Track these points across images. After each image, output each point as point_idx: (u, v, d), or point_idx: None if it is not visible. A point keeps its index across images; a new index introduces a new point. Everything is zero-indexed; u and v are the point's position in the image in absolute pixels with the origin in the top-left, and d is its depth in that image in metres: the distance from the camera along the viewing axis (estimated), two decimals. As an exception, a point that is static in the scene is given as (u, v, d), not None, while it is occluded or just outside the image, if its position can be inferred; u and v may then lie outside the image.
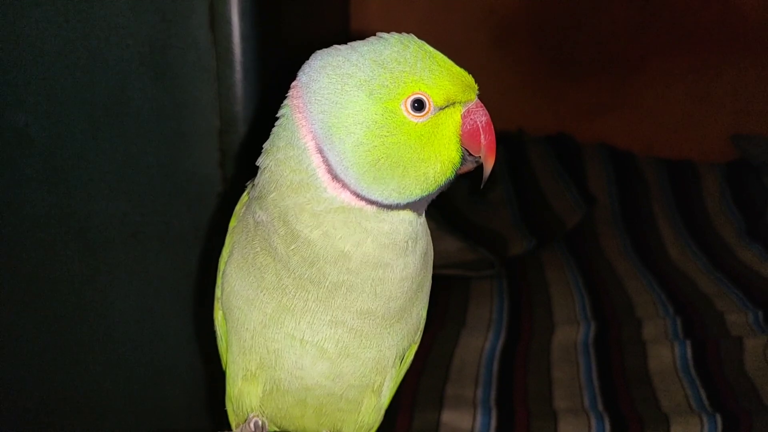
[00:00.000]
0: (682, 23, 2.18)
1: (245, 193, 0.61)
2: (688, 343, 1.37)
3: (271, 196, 0.53)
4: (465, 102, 0.53)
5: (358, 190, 0.51)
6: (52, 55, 1.01)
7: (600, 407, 1.22)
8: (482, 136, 0.53)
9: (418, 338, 0.63)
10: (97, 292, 1.10)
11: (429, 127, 0.52)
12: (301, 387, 0.57)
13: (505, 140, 2.28)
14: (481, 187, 0.56)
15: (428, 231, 0.60)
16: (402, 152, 0.51)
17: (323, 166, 0.51)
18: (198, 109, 1.03)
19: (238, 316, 0.57)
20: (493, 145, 0.54)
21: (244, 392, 0.60)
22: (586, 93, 2.30)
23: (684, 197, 2.09)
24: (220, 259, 0.62)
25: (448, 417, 1.16)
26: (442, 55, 0.53)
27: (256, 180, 0.55)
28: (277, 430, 0.64)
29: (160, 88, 1.02)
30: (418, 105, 0.51)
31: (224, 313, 0.61)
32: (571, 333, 1.47)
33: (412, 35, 0.53)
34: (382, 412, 0.64)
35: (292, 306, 0.53)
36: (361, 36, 0.55)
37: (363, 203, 0.51)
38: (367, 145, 0.50)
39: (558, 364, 1.37)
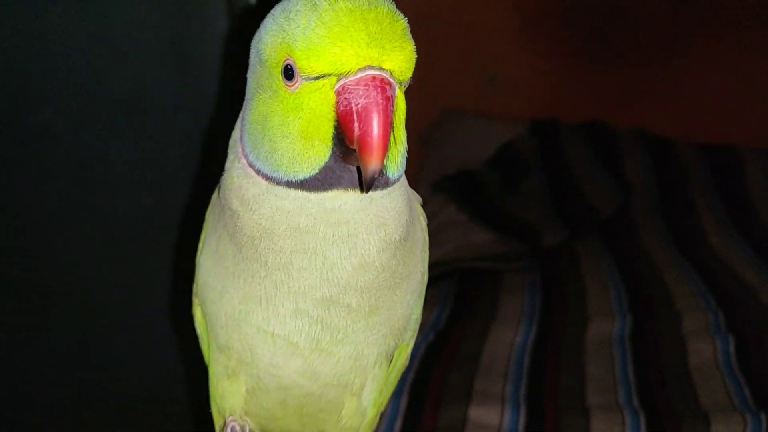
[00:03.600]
0: (722, 2, 2.08)
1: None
2: (731, 337, 1.31)
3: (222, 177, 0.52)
4: (344, 74, 0.42)
5: (252, 161, 0.48)
6: (74, 51, 1.01)
7: (635, 404, 1.17)
8: (355, 124, 0.41)
9: (409, 339, 0.60)
10: (121, 286, 1.11)
11: (298, 99, 0.44)
12: (279, 386, 0.55)
13: (538, 128, 2.23)
14: (365, 190, 0.44)
15: (417, 224, 0.55)
16: (273, 121, 0.46)
17: (240, 141, 0.50)
18: (218, 101, 1.02)
19: (212, 310, 0.55)
20: (371, 139, 0.41)
21: (228, 391, 0.58)
22: (621, 77, 2.22)
23: (726, 184, 2.00)
24: (197, 251, 0.59)
25: (475, 412, 1.13)
26: (348, 8, 0.41)
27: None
28: None
29: (180, 80, 1.02)
30: (289, 72, 0.43)
31: (202, 307, 0.58)
32: (605, 326, 1.42)
33: None
34: (368, 417, 0.60)
35: (256, 295, 0.50)
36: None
37: (260, 178, 0.47)
38: (255, 111, 0.47)
39: (592, 358, 1.32)
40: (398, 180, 0.48)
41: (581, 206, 1.97)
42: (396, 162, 0.46)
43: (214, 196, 0.57)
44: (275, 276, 0.48)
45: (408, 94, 0.49)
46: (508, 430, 1.11)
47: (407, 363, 0.64)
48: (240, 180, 0.49)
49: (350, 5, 0.41)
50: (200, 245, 0.58)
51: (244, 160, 0.49)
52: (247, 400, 0.58)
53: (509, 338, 1.38)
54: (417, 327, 0.60)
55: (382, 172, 0.44)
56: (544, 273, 1.69)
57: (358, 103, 0.41)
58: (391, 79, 0.42)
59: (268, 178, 0.47)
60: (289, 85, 0.44)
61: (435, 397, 1.17)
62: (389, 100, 0.42)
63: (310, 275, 0.48)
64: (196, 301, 0.60)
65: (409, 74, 0.44)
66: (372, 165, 0.41)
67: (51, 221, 1.08)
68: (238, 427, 0.59)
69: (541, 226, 1.88)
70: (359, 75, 0.42)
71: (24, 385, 1.17)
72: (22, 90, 1.01)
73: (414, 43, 0.44)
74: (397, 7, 0.44)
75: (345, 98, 0.42)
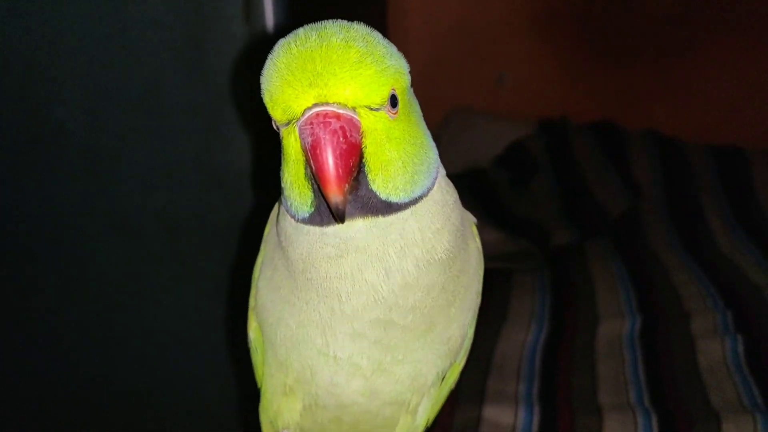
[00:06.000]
0: (731, 1, 2.08)
1: (278, 203, 0.60)
2: (740, 337, 1.32)
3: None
4: (298, 117, 0.44)
5: (284, 203, 0.52)
6: (89, 51, 1.01)
7: (647, 403, 1.18)
8: (311, 161, 0.43)
9: (462, 358, 0.61)
10: (133, 287, 1.11)
11: (284, 145, 0.48)
12: (337, 404, 0.57)
13: (547, 127, 2.23)
14: (338, 221, 0.45)
15: (472, 242, 0.56)
16: (283, 169, 0.49)
17: None
18: (233, 102, 1.02)
19: (271, 331, 0.56)
20: (323, 173, 0.42)
21: (284, 407, 0.59)
22: (631, 78, 2.22)
23: (734, 186, 2.01)
24: (254, 267, 0.61)
25: (489, 412, 1.14)
26: (299, 51, 0.43)
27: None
28: None
29: (195, 81, 1.02)
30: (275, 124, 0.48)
31: (259, 325, 0.60)
32: (616, 327, 1.43)
33: (305, 29, 0.45)
34: None
35: (312, 320, 0.52)
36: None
37: (290, 217, 0.51)
38: (281, 158, 0.51)
39: (603, 358, 1.33)
40: (412, 202, 0.48)
41: (590, 207, 1.97)
42: (394, 184, 0.46)
43: (274, 218, 0.59)
44: (328, 302, 0.50)
45: (416, 93, 0.49)
46: (522, 430, 1.11)
47: (458, 379, 0.66)
48: (281, 218, 0.53)
49: (301, 48, 0.43)
50: (256, 269, 0.61)
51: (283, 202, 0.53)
52: (303, 416, 0.59)
53: (520, 338, 1.38)
54: (469, 345, 0.61)
55: (374, 197, 0.46)
56: (554, 273, 1.69)
57: (307, 142, 0.43)
58: (341, 111, 0.43)
59: (293, 217, 0.50)
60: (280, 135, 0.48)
61: (450, 397, 1.17)
62: (335, 133, 0.42)
63: (359, 299, 0.49)
64: (252, 317, 0.62)
65: (377, 96, 0.44)
66: (331, 197, 0.43)
67: (64, 221, 1.09)
68: None
69: (550, 225, 1.88)
70: (306, 115, 0.43)
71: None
72: (36, 89, 1.02)
73: (381, 63, 0.44)
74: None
75: (301, 139, 0.44)
